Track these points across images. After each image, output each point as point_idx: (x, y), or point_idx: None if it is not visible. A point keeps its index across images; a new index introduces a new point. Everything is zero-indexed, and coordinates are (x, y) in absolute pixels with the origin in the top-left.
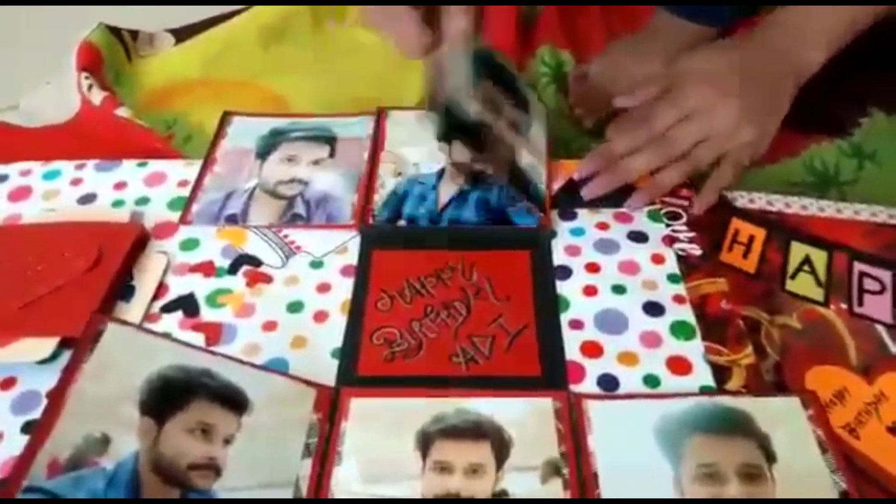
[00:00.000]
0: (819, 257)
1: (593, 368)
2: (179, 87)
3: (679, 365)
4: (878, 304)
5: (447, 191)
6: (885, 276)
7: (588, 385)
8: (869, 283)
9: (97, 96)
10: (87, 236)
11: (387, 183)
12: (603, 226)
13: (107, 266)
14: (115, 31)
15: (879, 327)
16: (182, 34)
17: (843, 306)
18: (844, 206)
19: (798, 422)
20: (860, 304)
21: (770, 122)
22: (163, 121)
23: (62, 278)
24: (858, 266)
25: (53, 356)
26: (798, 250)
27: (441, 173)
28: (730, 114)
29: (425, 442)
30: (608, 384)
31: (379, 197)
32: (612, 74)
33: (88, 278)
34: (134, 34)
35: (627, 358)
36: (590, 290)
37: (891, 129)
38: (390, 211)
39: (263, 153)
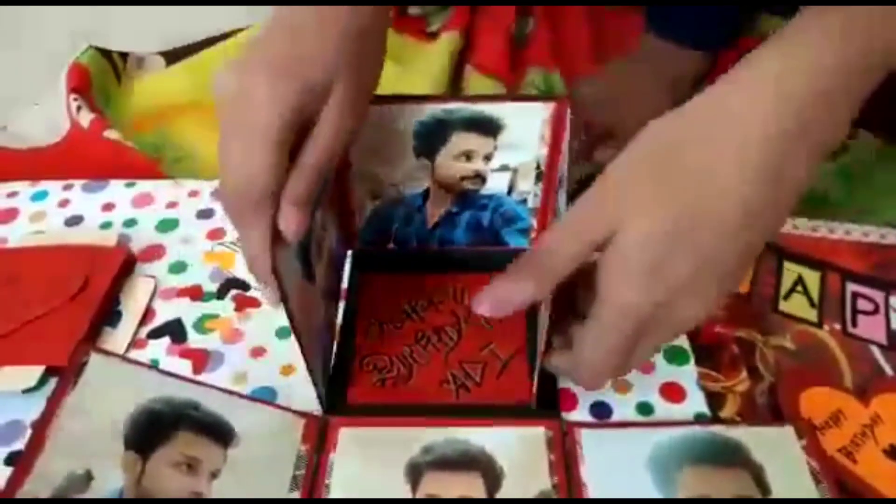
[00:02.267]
0: (812, 278)
1: (586, 396)
2: (169, 110)
3: (673, 391)
4: (872, 325)
5: (435, 211)
6: (878, 296)
7: (581, 413)
8: (862, 304)
9: (86, 118)
10: (73, 260)
11: (366, 205)
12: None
13: (93, 291)
14: (106, 53)
15: (874, 348)
16: (173, 57)
17: (837, 327)
18: (836, 226)
19: (792, 452)
20: (854, 324)
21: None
22: (152, 143)
23: (48, 304)
24: (851, 286)
25: (39, 385)
26: (791, 271)
27: (426, 193)
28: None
29: (415, 474)
30: (601, 412)
31: (359, 219)
32: (604, 97)
33: (75, 304)
34: (124, 56)
35: (620, 385)
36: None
37: (879, 150)
38: (373, 234)
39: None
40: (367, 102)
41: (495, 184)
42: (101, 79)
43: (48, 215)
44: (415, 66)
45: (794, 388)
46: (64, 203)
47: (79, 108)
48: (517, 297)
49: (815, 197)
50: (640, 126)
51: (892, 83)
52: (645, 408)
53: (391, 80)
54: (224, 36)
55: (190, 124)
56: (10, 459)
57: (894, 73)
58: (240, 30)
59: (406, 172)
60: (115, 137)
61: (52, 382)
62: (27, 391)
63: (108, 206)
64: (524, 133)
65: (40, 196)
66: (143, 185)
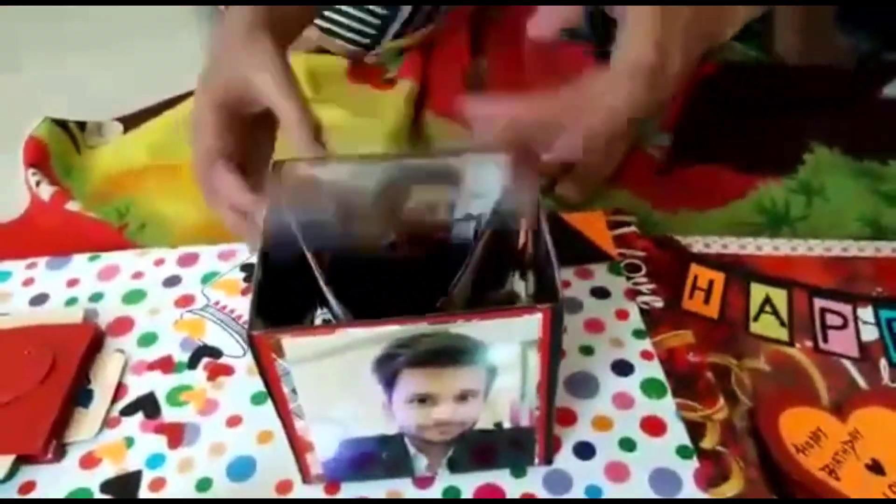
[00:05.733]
0: (779, 297)
1: (570, 437)
2: (131, 174)
3: (653, 425)
4: (843, 339)
5: None
6: (846, 309)
7: (565, 453)
8: (831, 319)
9: (46, 192)
10: (40, 341)
11: None
12: (565, 284)
13: (62, 372)
14: (62, 124)
15: (846, 362)
16: (131, 122)
17: (809, 344)
18: (798, 243)
19: None
20: (825, 340)
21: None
22: (115, 210)
23: (16, 390)
24: (819, 302)
25: (9, 475)
26: (758, 291)
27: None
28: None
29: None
30: (585, 451)
31: None
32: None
33: (44, 387)
34: (81, 125)
35: (601, 422)
36: None
37: (835, 163)
38: None
39: None
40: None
41: (461, 231)
42: (60, 150)
43: (13, 296)
44: (374, 114)
45: (773, 411)
46: (28, 282)
47: (38, 182)
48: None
49: (776, 213)
50: (593, 159)
51: (846, 96)
52: (628, 443)
53: (352, 131)
54: (180, 98)
55: (152, 189)
56: None
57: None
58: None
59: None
60: (78, 209)
61: (23, 472)
62: None
63: (73, 282)
64: (485, 182)
65: (3, 276)
66: (108, 258)
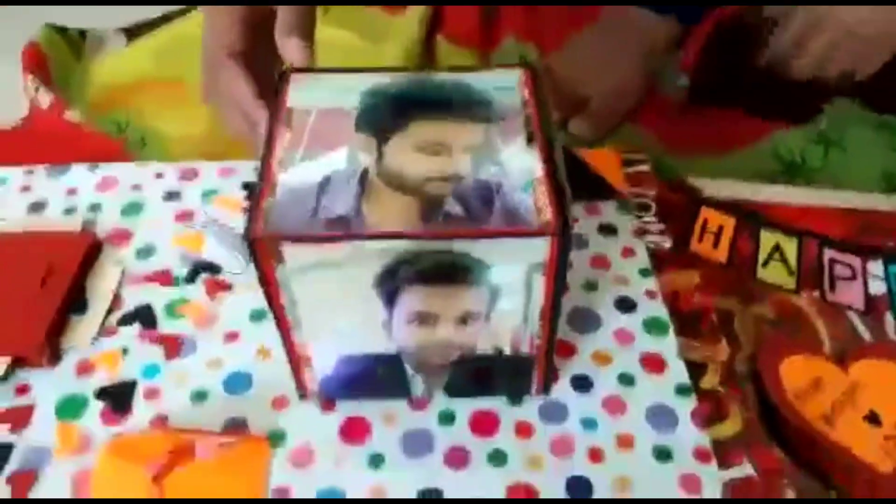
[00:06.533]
0: (789, 245)
1: (567, 368)
2: (132, 87)
3: (653, 363)
4: (850, 291)
5: None
6: (856, 262)
7: (562, 384)
8: (840, 270)
9: (45, 99)
10: (37, 248)
11: None
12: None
13: (59, 279)
14: (62, 31)
15: (852, 314)
16: (134, 32)
17: (815, 294)
18: (812, 193)
19: None
20: (832, 290)
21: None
22: (114, 122)
23: (13, 294)
24: (829, 253)
25: (5, 376)
26: (768, 238)
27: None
28: None
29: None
30: (583, 384)
31: None
32: (572, 70)
33: (40, 293)
34: (83, 33)
35: (601, 357)
36: None
37: (854, 115)
38: None
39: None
40: None
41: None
42: (60, 57)
43: (10, 202)
44: (383, 39)
45: (774, 357)
46: (26, 188)
47: (37, 89)
48: None
49: (792, 163)
50: (609, 96)
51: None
52: (626, 378)
53: (360, 55)
54: (184, 11)
55: (153, 102)
56: None
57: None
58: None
59: None
60: (77, 119)
61: (18, 375)
62: None
63: (72, 191)
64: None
65: (1, 182)
66: (107, 168)
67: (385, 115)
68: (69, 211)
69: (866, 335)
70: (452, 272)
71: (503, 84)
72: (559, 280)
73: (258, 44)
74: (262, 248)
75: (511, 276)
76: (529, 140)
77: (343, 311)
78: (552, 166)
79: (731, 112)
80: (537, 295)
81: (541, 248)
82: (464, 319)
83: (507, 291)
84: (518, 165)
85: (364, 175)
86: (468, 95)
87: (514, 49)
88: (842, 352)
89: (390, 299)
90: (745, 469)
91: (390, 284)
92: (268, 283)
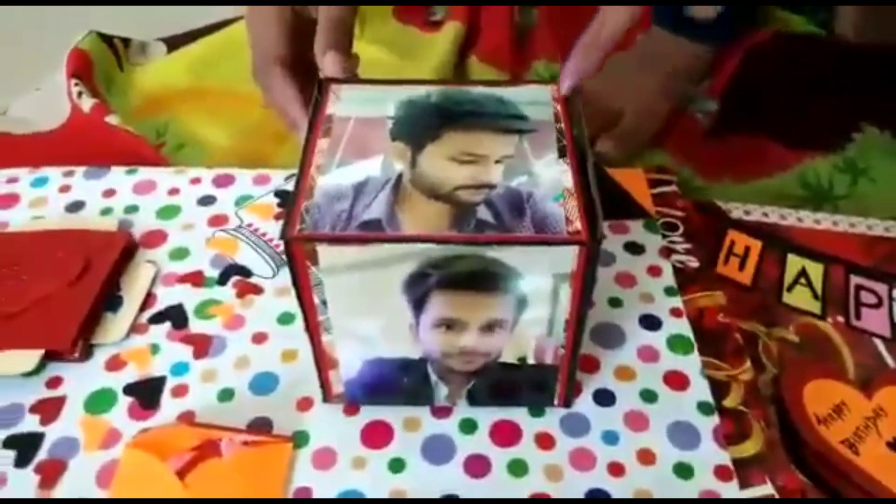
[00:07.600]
0: (815, 270)
1: (590, 383)
2: (171, 95)
3: (677, 380)
4: (876, 318)
5: None
6: (882, 289)
7: (584, 398)
8: (866, 297)
9: (87, 103)
10: (74, 245)
11: None
12: None
13: (94, 276)
14: (107, 39)
15: (877, 341)
16: (175, 42)
17: (841, 319)
18: (840, 219)
19: None
20: (857, 317)
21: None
22: (154, 128)
23: (48, 288)
24: (855, 279)
25: (37, 369)
26: (794, 263)
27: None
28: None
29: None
30: (604, 399)
31: None
32: (610, 89)
33: (75, 289)
34: (126, 42)
35: (624, 372)
36: None
37: (884, 145)
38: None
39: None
40: None
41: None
42: (103, 64)
43: (49, 201)
44: (417, 57)
45: (798, 380)
46: (65, 189)
47: (80, 94)
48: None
49: (819, 190)
50: (636, 117)
51: None
52: (649, 395)
53: (394, 73)
54: (226, 23)
55: (192, 111)
56: (10, 442)
57: None
58: (241, 17)
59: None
60: (117, 123)
61: (51, 367)
62: (26, 375)
63: (109, 193)
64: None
65: (41, 182)
66: (145, 172)
67: (420, 125)
68: (106, 211)
69: (891, 362)
70: (481, 279)
71: (536, 98)
72: (586, 291)
73: (305, 52)
74: (297, 248)
75: (538, 285)
76: (561, 153)
77: (372, 314)
78: (583, 178)
79: (760, 138)
80: (563, 305)
81: (569, 258)
82: (490, 327)
83: (534, 301)
84: (549, 176)
85: (398, 181)
86: (501, 108)
87: (545, 71)
88: (866, 378)
89: (418, 304)
90: (765, 489)
91: (419, 289)
92: (301, 284)
